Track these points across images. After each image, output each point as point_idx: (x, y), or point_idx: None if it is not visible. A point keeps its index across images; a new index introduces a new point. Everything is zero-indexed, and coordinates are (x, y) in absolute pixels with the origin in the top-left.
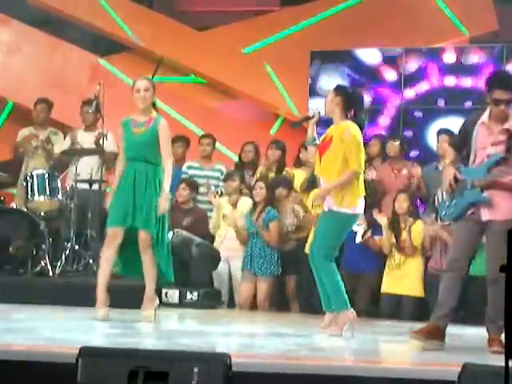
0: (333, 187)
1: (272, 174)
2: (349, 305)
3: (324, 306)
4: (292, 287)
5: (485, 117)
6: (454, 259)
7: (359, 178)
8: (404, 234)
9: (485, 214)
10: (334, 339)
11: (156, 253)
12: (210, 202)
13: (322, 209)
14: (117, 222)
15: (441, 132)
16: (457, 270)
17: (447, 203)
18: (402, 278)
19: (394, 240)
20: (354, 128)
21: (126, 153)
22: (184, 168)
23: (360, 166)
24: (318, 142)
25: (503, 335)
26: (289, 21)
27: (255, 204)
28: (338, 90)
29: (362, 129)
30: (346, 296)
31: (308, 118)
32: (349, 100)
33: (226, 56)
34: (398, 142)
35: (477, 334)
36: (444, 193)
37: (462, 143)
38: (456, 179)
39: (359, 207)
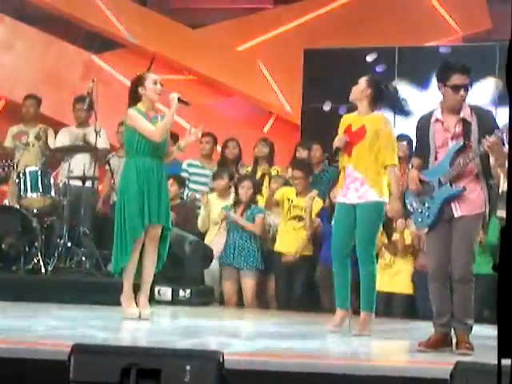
0: (398, 193)
1: (260, 172)
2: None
3: (339, 302)
4: (272, 287)
5: (438, 113)
6: (436, 268)
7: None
8: (395, 235)
9: (456, 211)
10: (325, 337)
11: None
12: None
13: (346, 203)
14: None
15: (398, 138)
16: (442, 277)
17: (420, 210)
18: (393, 277)
19: (385, 240)
20: (389, 121)
21: (138, 148)
22: (184, 165)
23: (395, 158)
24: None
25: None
26: (282, 18)
27: (238, 201)
28: (372, 82)
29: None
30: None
31: (338, 150)
32: (379, 95)
33: (219, 53)
34: (405, 142)
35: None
36: (413, 201)
37: (423, 146)
38: (421, 181)
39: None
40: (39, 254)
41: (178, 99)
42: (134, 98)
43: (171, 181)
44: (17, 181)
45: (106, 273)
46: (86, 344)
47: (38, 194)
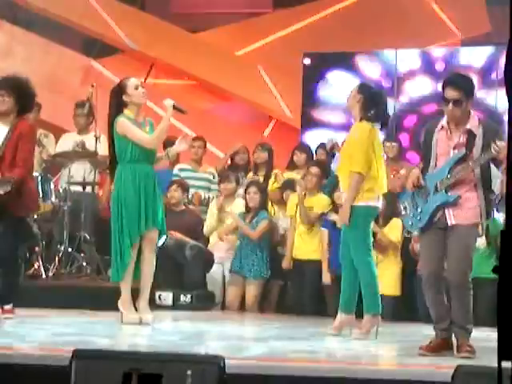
0: (350, 200)
1: (261, 177)
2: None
3: (341, 306)
4: (276, 292)
5: (444, 121)
6: (430, 274)
7: (376, 175)
8: (381, 233)
9: (450, 219)
10: (326, 341)
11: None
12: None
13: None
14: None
15: (388, 139)
16: (437, 283)
17: (412, 213)
18: (380, 277)
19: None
20: (362, 129)
21: (132, 154)
22: (175, 170)
23: (361, 166)
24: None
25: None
26: (282, 23)
27: (248, 207)
28: (362, 88)
29: (383, 127)
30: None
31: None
32: (370, 100)
33: (218, 58)
34: (395, 144)
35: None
36: (407, 203)
37: (426, 151)
38: (419, 184)
39: (377, 201)
40: (40, 259)
41: (174, 106)
42: (119, 106)
43: (175, 186)
44: None
45: (107, 278)
46: (87, 349)
47: (39, 199)
